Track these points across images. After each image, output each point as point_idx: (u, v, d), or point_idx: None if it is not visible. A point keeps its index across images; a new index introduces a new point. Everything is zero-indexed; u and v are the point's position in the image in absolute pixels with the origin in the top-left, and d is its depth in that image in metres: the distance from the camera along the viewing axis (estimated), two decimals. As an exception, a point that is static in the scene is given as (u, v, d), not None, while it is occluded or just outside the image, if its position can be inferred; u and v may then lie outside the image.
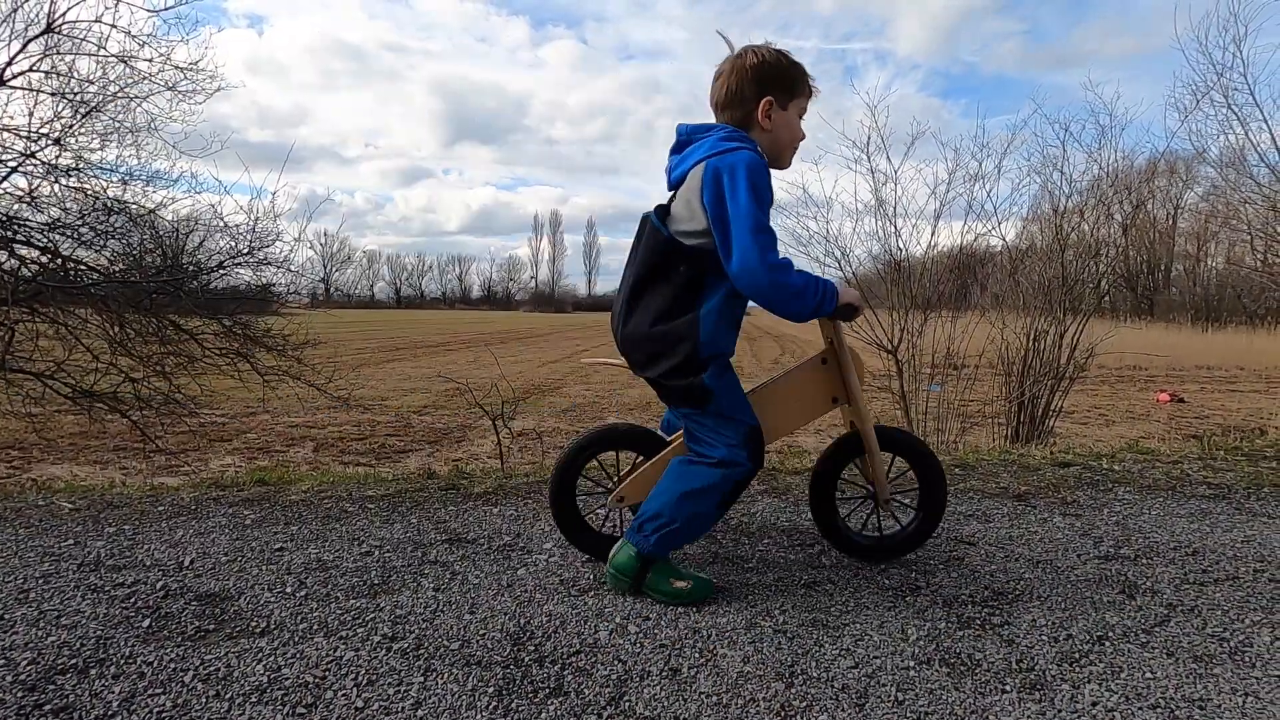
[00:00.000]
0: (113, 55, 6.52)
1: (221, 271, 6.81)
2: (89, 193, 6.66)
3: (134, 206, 6.81)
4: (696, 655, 2.04)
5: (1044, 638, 2.18)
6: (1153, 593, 2.53)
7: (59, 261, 6.50)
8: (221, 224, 6.72)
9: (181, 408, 6.76)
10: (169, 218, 6.94)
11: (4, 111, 6.32)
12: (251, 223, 6.58)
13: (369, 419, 11.06)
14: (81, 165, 6.62)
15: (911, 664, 2.01)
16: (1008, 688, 1.90)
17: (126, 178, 6.86)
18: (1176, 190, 36.03)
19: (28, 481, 6.58)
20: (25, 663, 1.94)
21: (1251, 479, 4.14)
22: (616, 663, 2.00)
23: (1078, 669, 2.00)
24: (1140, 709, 1.81)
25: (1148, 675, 1.97)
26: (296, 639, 2.10)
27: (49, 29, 6.20)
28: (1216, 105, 7.04)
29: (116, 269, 6.63)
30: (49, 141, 6.39)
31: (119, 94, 6.74)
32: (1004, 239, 7.49)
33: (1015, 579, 2.63)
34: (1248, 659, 2.07)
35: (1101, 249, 7.84)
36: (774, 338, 33.92)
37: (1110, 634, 2.21)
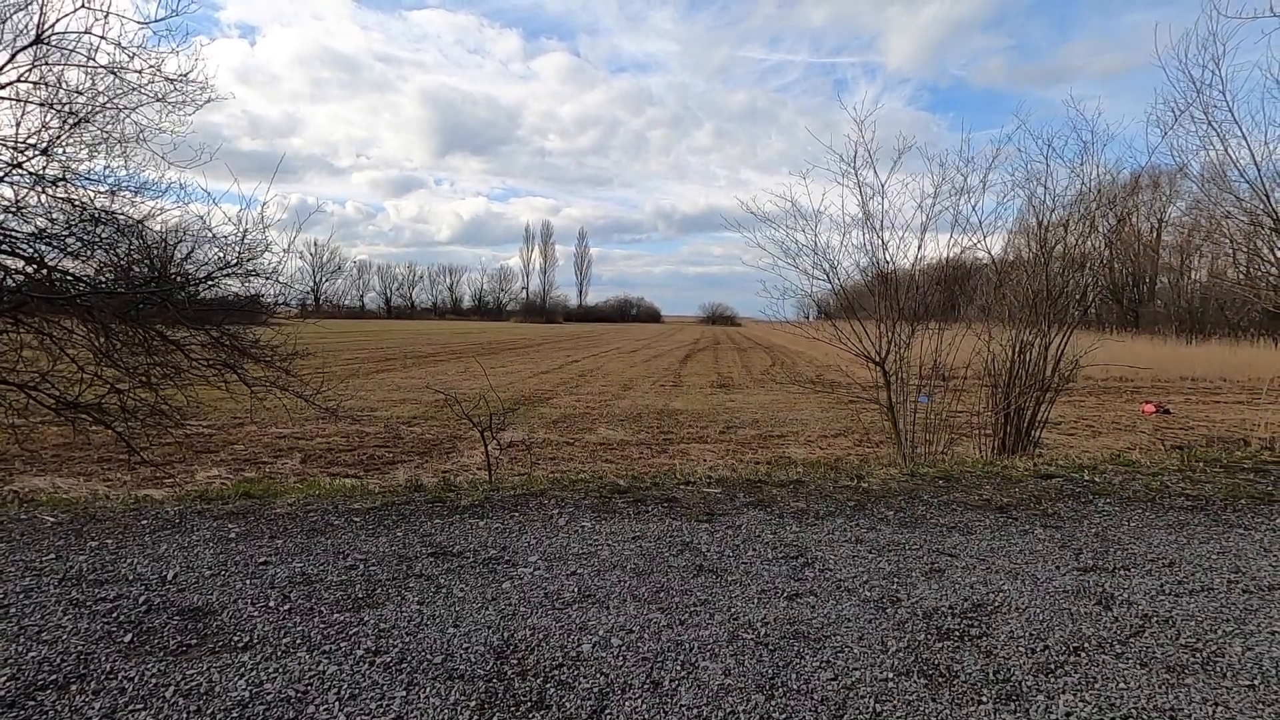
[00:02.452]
0: (102, 66, 6.52)
1: (210, 283, 6.78)
2: (76, 203, 6.64)
3: (121, 217, 6.77)
4: (678, 668, 2.06)
5: (1021, 649, 2.21)
6: (1129, 604, 2.56)
7: (44, 272, 6.46)
8: (210, 235, 6.70)
9: (167, 419, 6.70)
10: (157, 228, 6.91)
11: (-9, 121, 6.29)
12: (240, 234, 6.57)
13: (358, 430, 11.01)
14: (69, 175, 6.60)
15: (890, 675, 2.04)
16: (984, 699, 1.93)
17: (114, 188, 6.82)
18: (1160, 204, 36.56)
19: (9, 494, 6.51)
20: (4, 679, 1.93)
21: (1229, 490, 4.20)
22: (599, 675, 2.01)
23: (1053, 680, 2.03)
24: (1113, 719, 1.84)
25: (1121, 686, 2.01)
26: (279, 653, 2.10)
27: (38, 40, 6.19)
28: (1196, 121, 7.18)
29: (103, 279, 6.59)
30: (36, 151, 6.37)
31: (108, 105, 6.72)
32: (989, 252, 7.60)
33: (995, 590, 2.66)
34: (1219, 669, 2.10)
35: (1086, 262, 7.96)
36: (764, 349, 34.02)
37: (1086, 645, 2.24)
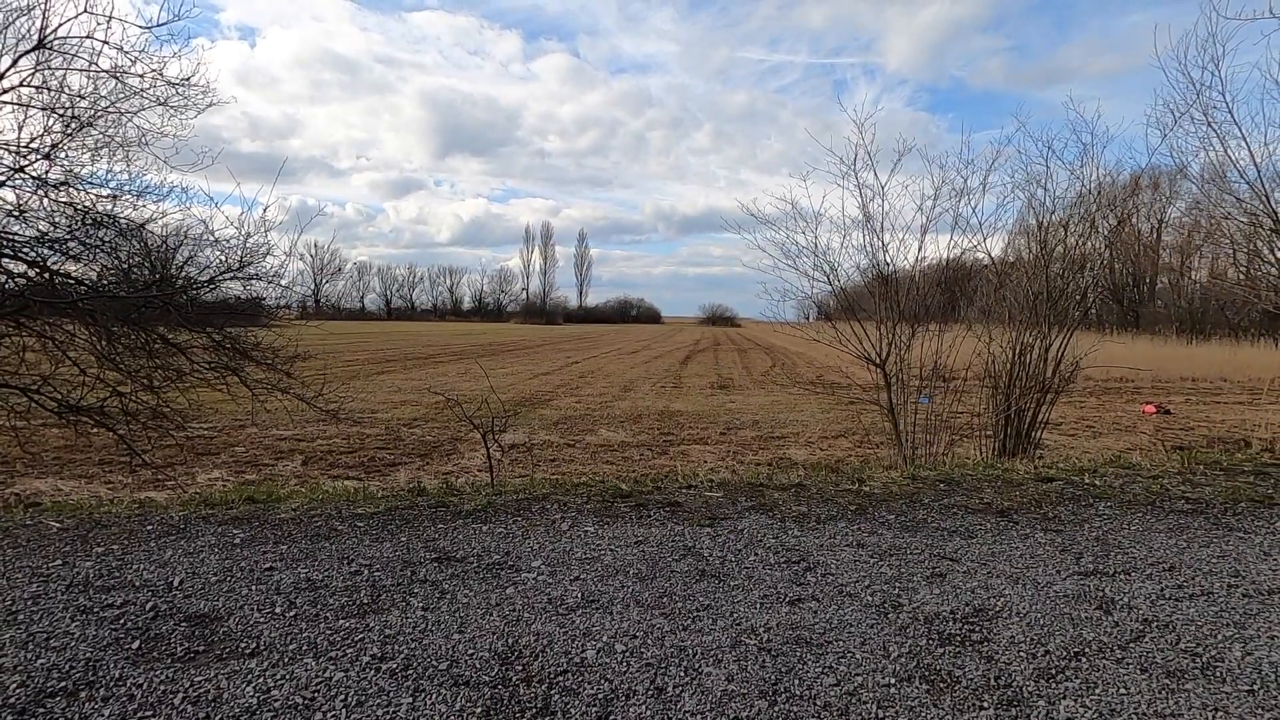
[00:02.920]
0: (104, 71, 6.54)
1: (211, 286, 6.80)
2: (78, 206, 6.66)
3: (123, 220, 6.79)
4: (682, 674, 2.07)
5: (1022, 654, 2.23)
6: (1129, 608, 2.58)
7: (46, 275, 6.48)
8: (212, 238, 6.72)
9: (169, 421, 6.72)
10: (159, 231, 6.93)
11: (-7, 126, 6.31)
12: (242, 237, 6.59)
13: (358, 432, 11.02)
14: (71, 179, 6.62)
15: (892, 681, 2.05)
16: (985, 704, 1.94)
17: (116, 191, 6.84)
18: (1160, 205, 36.57)
19: (11, 497, 6.52)
20: (14, 685, 1.94)
21: (1229, 494, 4.22)
22: (603, 682, 2.03)
23: (1054, 685, 2.05)
24: (1114, 725, 1.86)
25: (1121, 691, 2.02)
26: (286, 660, 2.12)
27: (41, 44, 6.21)
28: (1196, 123, 7.19)
29: (105, 283, 6.61)
30: (39, 156, 6.39)
31: (110, 109, 6.74)
32: (989, 254, 7.61)
33: (996, 595, 2.68)
34: (1219, 674, 2.12)
35: (1086, 263, 7.97)
36: (764, 349, 34.03)
37: (1087, 650, 2.26)
